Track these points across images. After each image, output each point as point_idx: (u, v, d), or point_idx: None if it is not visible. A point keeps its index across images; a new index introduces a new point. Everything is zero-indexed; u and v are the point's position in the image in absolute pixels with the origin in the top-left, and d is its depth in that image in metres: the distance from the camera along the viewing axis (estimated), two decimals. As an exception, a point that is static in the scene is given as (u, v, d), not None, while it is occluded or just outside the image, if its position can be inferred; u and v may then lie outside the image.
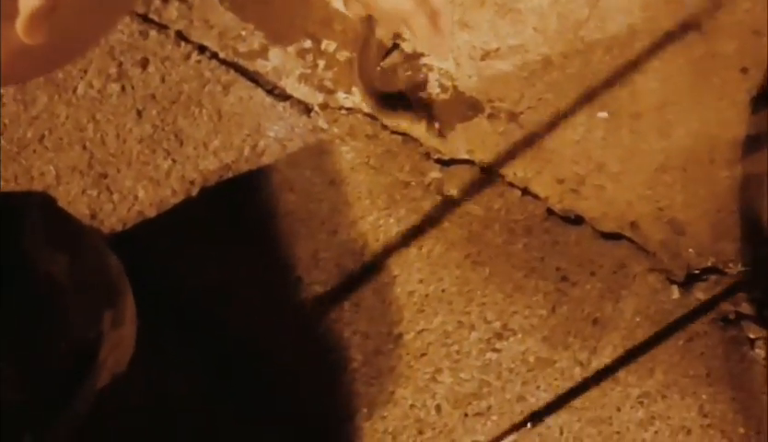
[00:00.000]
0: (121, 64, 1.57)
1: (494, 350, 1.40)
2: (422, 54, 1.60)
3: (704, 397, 1.38)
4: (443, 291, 1.44)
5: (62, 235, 0.94)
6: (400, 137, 1.53)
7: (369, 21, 1.55)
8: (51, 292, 0.88)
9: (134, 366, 1.16)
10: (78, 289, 0.91)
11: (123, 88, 1.55)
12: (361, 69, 1.53)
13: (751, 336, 1.41)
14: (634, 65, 1.58)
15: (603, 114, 1.55)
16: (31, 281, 0.87)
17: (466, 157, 1.51)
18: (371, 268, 1.46)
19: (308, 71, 1.59)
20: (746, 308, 1.43)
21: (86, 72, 1.56)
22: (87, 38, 0.74)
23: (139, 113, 1.54)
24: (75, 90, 1.55)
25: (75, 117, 1.54)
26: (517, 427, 1.34)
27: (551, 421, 1.37)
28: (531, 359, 1.40)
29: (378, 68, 1.57)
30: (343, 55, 1.60)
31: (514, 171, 1.52)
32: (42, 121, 1.54)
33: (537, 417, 1.35)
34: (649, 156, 1.53)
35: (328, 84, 1.58)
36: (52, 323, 0.88)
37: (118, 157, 1.52)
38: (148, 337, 1.17)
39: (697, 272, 1.46)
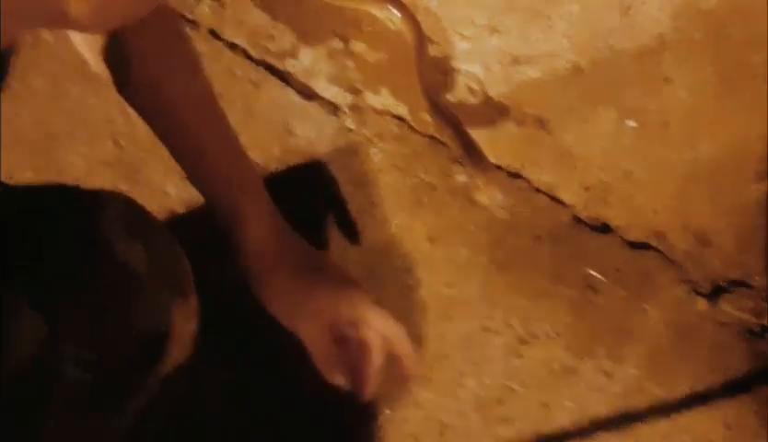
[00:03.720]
0: (153, 60, 1.51)
1: (518, 356, 1.34)
2: (451, 57, 1.54)
3: (727, 409, 1.31)
4: (468, 295, 1.38)
5: (139, 228, 0.94)
6: (427, 139, 1.47)
7: (420, 30, 1.50)
8: (127, 280, 0.89)
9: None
10: (153, 278, 0.91)
11: (155, 84, 1.50)
12: (421, 77, 1.47)
13: (776, 350, 1.35)
14: (663, 75, 1.51)
15: (631, 123, 1.48)
16: (110, 268, 0.88)
17: (493, 161, 1.44)
18: (396, 270, 1.40)
19: (338, 71, 1.53)
20: (772, 321, 1.36)
21: (118, 66, 1.51)
22: None
23: (170, 109, 1.48)
24: (106, 84, 1.50)
25: (106, 110, 1.48)
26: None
27: (573, 428, 1.31)
28: (555, 367, 1.33)
29: (438, 76, 1.52)
30: (373, 57, 1.54)
31: (541, 177, 1.45)
32: (74, 113, 1.49)
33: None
34: (677, 166, 1.46)
35: (357, 85, 1.52)
36: (126, 310, 0.88)
37: (148, 152, 1.46)
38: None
39: (723, 284, 1.39)
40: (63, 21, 0.62)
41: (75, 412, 0.86)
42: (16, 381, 0.82)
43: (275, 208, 1.13)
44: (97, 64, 1.09)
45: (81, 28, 0.65)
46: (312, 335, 1.09)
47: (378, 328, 1.10)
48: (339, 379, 1.10)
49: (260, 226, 1.09)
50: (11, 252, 0.85)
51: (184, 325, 0.96)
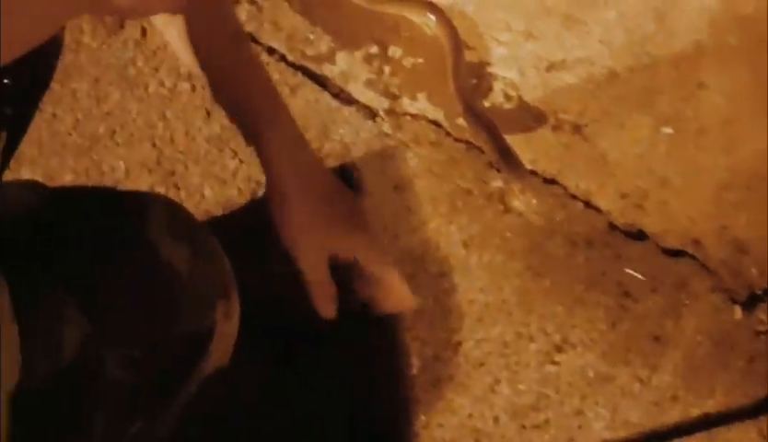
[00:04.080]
0: (191, 64, 1.52)
1: (553, 363, 1.33)
2: (487, 62, 1.53)
3: (764, 419, 1.30)
4: (503, 301, 1.37)
5: (182, 229, 0.95)
6: (463, 145, 1.47)
7: (458, 39, 1.49)
8: (171, 280, 0.90)
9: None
10: (196, 279, 0.92)
11: (194, 88, 1.50)
12: (456, 82, 1.46)
13: (813, 359, 1.33)
14: (699, 81, 1.50)
15: (668, 129, 1.47)
16: (154, 268, 0.89)
17: (529, 167, 1.43)
18: (431, 275, 1.39)
19: (375, 76, 1.52)
20: (808, 330, 1.35)
21: (157, 70, 1.51)
22: None
23: (208, 113, 1.49)
24: (146, 88, 1.51)
25: (145, 114, 1.49)
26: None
27: (608, 436, 1.30)
28: (591, 374, 1.32)
29: (474, 81, 1.51)
30: (410, 62, 1.54)
31: (576, 183, 1.44)
32: (114, 117, 1.49)
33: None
34: (713, 172, 1.44)
35: (394, 90, 1.51)
36: (170, 310, 0.89)
37: (186, 155, 1.47)
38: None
39: (759, 292, 1.37)
40: (106, 7, 0.63)
41: (117, 413, 0.87)
42: (59, 381, 0.83)
43: (303, 139, 1.14)
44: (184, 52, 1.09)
45: (123, 13, 0.65)
46: (312, 265, 1.10)
47: (374, 271, 1.13)
48: (330, 311, 1.12)
49: (281, 153, 1.10)
50: (55, 253, 0.86)
51: (226, 326, 0.97)
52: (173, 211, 0.99)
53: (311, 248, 1.10)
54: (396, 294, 1.16)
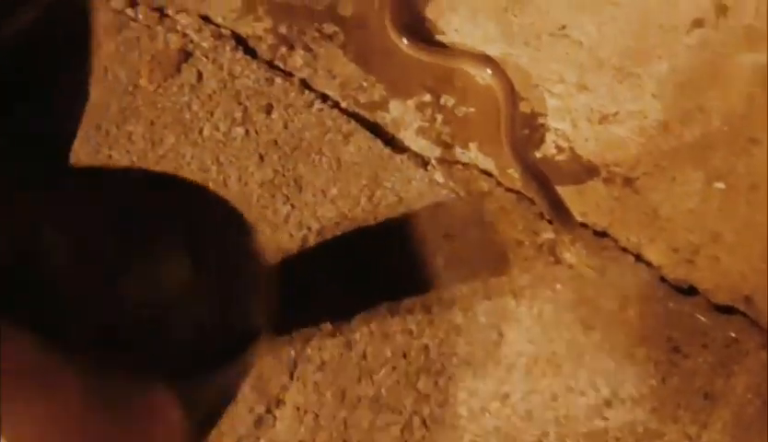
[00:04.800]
0: (246, 109, 1.55)
1: (602, 418, 1.34)
2: (540, 113, 1.55)
3: (814, 480, 1.30)
4: (553, 353, 1.38)
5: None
6: (514, 195, 1.49)
7: (513, 92, 1.52)
8: (264, 275, 0.94)
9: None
10: (270, 285, 0.97)
11: (247, 132, 1.54)
12: (509, 133, 1.50)
13: None
14: (751, 136, 1.51)
15: (720, 184, 1.48)
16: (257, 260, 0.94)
17: (580, 219, 1.45)
18: (481, 325, 1.41)
19: (427, 125, 1.55)
20: None
21: (212, 114, 1.55)
22: None
23: (261, 158, 1.52)
24: (201, 132, 1.54)
25: (199, 158, 1.53)
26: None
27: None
28: (640, 430, 1.33)
29: (526, 132, 1.54)
30: (462, 111, 1.56)
31: (627, 236, 1.46)
32: (169, 160, 1.53)
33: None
34: (765, 228, 1.45)
35: (446, 138, 1.54)
36: (256, 297, 0.92)
37: (239, 200, 1.50)
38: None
39: (811, 351, 1.38)
40: None
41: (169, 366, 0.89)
42: (145, 315, 0.85)
43: None
44: None
45: None
46: None
47: None
48: None
49: None
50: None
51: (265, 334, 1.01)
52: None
53: None
54: None
